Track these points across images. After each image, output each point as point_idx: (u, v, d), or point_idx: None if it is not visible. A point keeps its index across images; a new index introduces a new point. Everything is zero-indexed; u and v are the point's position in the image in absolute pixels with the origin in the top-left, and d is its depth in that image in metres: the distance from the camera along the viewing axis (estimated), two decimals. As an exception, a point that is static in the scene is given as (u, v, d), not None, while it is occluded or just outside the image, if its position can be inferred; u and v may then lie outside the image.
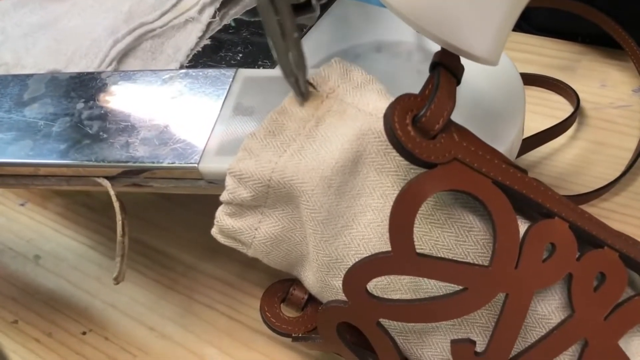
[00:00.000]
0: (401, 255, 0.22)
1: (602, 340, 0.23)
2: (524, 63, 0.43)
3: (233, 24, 0.37)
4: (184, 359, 0.32)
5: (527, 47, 0.45)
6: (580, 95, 0.39)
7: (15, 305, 0.36)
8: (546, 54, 0.44)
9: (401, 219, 0.22)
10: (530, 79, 0.41)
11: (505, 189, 0.22)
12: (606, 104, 0.40)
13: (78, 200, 0.42)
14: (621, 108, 0.40)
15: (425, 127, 0.22)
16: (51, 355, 0.34)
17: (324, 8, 0.34)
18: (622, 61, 0.42)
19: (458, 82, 0.24)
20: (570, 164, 0.37)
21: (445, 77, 0.23)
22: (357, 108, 0.25)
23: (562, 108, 0.40)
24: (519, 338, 0.23)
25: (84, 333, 0.34)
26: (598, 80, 0.42)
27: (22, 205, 0.42)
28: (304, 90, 0.26)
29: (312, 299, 0.29)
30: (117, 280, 0.28)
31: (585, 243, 0.23)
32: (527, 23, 0.47)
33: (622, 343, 0.23)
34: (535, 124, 0.37)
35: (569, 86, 0.40)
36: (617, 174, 0.35)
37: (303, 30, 0.30)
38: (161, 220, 0.39)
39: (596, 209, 0.35)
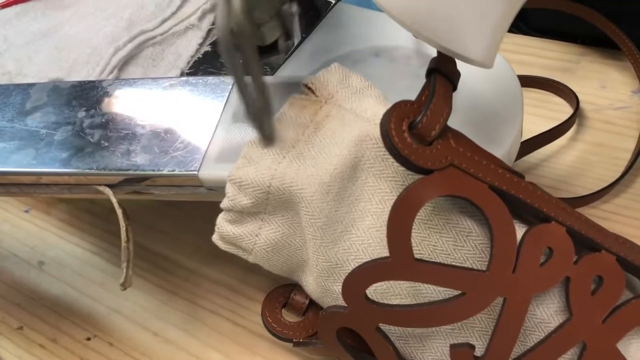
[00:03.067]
0: (399, 260, 0.22)
1: (600, 343, 0.23)
2: (522, 65, 0.43)
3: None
4: (188, 364, 0.33)
5: (525, 48, 0.45)
6: (580, 97, 0.39)
7: (20, 312, 0.36)
8: (545, 56, 0.44)
9: (399, 225, 0.22)
10: (529, 81, 0.41)
11: (502, 194, 0.22)
12: (606, 106, 0.40)
13: (82, 206, 0.42)
14: (621, 109, 0.40)
15: (421, 134, 0.22)
16: (56, 361, 0.34)
17: (318, 17, 0.34)
18: (622, 62, 0.42)
19: (454, 88, 0.24)
20: (570, 165, 0.37)
21: (441, 83, 0.23)
22: (356, 114, 0.26)
23: (561, 110, 0.40)
24: (518, 342, 0.24)
25: (89, 339, 0.35)
26: (597, 81, 0.42)
27: (26, 212, 0.42)
28: (269, 135, 0.25)
29: (313, 304, 0.29)
30: (124, 286, 0.28)
31: (583, 247, 0.23)
32: (525, 24, 0.47)
33: (621, 346, 0.23)
34: (534, 126, 0.37)
35: (568, 88, 0.40)
36: (617, 175, 0.35)
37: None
38: (164, 225, 0.39)
39: (596, 211, 0.35)
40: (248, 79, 0.23)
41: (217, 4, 0.21)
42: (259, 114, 0.24)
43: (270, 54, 0.23)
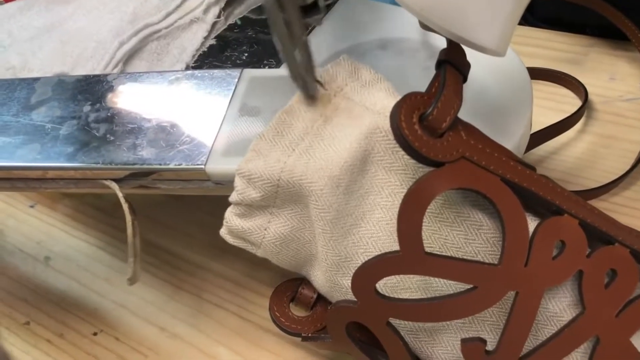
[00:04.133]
0: (410, 254, 0.22)
1: (614, 338, 0.23)
2: (531, 57, 0.43)
3: (238, 23, 0.37)
4: (195, 359, 0.32)
5: (534, 40, 0.44)
6: (589, 89, 0.39)
7: (27, 307, 0.36)
8: (553, 47, 0.44)
9: (409, 219, 0.22)
10: (537, 73, 0.40)
11: (513, 186, 0.22)
12: (615, 97, 0.40)
13: (87, 201, 0.42)
14: (630, 101, 0.39)
15: (432, 126, 0.22)
16: (63, 356, 0.34)
17: (329, 6, 0.34)
18: (631, 53, 0.42)
19: (465, 79, 0.24)
20: (579, 158, 0.37)
21: (451, 75, 0.23)
22: (365, 107, 0.25)
23: (570, 102, 0.39)
24: (530, 336, 0.23)
25: (95, 334, 0.34)
26: (606, 73, 0.41)
27: (31, 207, 0.42)
28: (312, 93, 0.25)
29: (321, 298, 0.29)
30: (131, 282, 0.28)
31: (596, 240, 0.23)
32: (533, 16, 0.46)
33: (635, 340, 0.23)
34: (543, 119, 0.36)
35: (577, 80, 0.39)
36: (627, 167, 0.35)
37: (309, 30, 0.30)
38: (170, 220, 0.39)
39: (606, 204, 0.34)
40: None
41: None
42: (303, 72, 0.24)
43: (310, 13, 0.24)
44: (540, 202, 0.23)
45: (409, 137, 0.21)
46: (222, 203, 0.27)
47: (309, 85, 0.25)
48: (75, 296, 0.37)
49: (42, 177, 0.29)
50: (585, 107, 0.38)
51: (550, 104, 0.40)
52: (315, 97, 0.26)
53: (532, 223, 0.23)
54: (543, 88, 0.41)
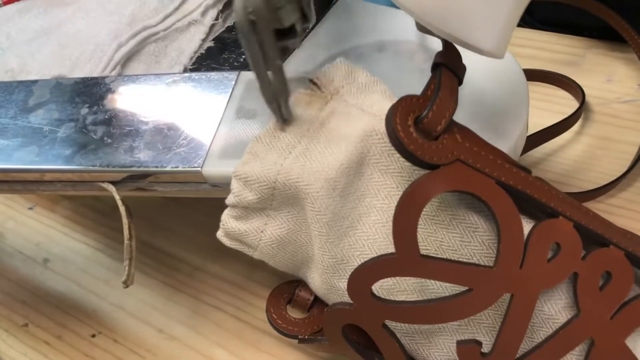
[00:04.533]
0: (405, 257, 0.22)
1: (609, 340, 0.23)
2: (528, 58, 0.43)
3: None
4: (193, 361, 0.33)
5: (531, 42, 0.44)
6: (586, 90, 0.39)
7: (25, 309, 0.37)
8: (551, 49, 0.44)
9: (405, 221, 0.22)
10: (534, 75, 0.40)
11: (508, 189, 0.22)
12: (612, 99, 0.40)
13: (86, 203, 0.42)
14: (627, 103, 0.39)
15: (427, 128, 0.22)
16: (61, 358, 0.34)
17: (324, 11, 0.34)
18: (628, 55, 0.42)
19: (460, 82, 0.24)
20: (576, 160, 0.37)
21: (447, 77, 0.23)
22: (361, 109, 0.25)
23: (567, 104, 0.39)
24: (526, 338, 0.23)
25: (94, 335, 0.35)
26: (604, 74, 0.41)
27: (30, 209, 0.42)
28: (286, 117, 0.25)
29: (318, 300, 0.29)
30: (126, 284, 0.28)
31: (591, 242, 0.23)
32: (531, 17, 0.46)
33: (630, 342, 0.23)
34: (540, 120, 0.36)
35: (574, 81, 0.39)
36: (624, 169, 0.35)
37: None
38: (167, 221, 0.39)
39: (603, 205, 0.35)
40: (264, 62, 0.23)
41: None
42: (277, 96, 0.24)
43: (287, 37, 0.24)
44: (535, 204, 0.23)
45: (404, 140, 0.21)
46: (221, 205, 0.27)
47: (282, 110, 0.25)
48: (73, 298, 0.37)
49: (40, 180, 0.30)
50: (583, 109, 0.38)
51: (548, 106, 0.40)
52: (290, 122, 0.25)
53: (527, 225, 0.23)
54: (540, 90, 0.41)
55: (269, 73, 0.23)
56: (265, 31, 0.22)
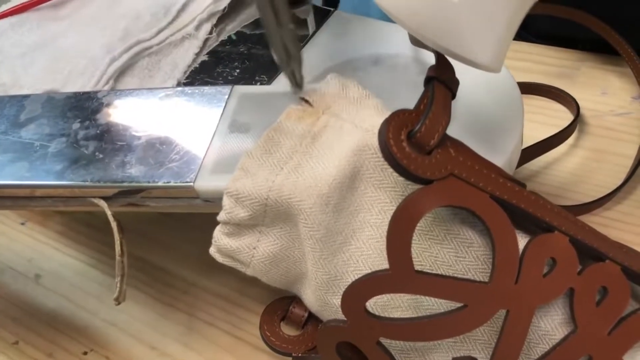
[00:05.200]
0: (399, 273, 0.22)
1: (606, 356, 0.22)
2: (523, 72, 0.43)
3: (232, 39, 0.37)
4: (185, 378, 0.32)
5: (526, 55, 0.45)
6: (580, 103, 0.39)
7: (16, 326, 0.36)
8: (545, 62, 0.44)
9: (398, 237, 0.21)
10: (529, 88, 0.40)
11: (503, 203, 0.22)
12: (606, 112, 0.40)
13: (78, 218, 0.41)
14: (621, 115, 0.39)
15: (420, 143, 0.22)
16: (52, 376, 0.33)
17: (321, 22, 0.34)
18: (622, 68, 0.42)
19: (453, 96, 0.24)
20: (571, 173, 0.37)
21: (440, 91, 0.23)
22: (354, 124, 0.25)
23: (562, 116, 0.39)
24: (522, 354, 0.23)
25: (85, 353, 0.34)
26: (598, 87, 0.41)
27: (22, 224, 0.42)
28: (299, 82, 0.26)
29: (312, 316, 0.29)
30: (118, 301, 0.28)
31: (586, 256, 0.23)
32: (525, 30, 0.46)
33: (628, 358, 0.23)
34: (535, 133, 0.36)
35: (569, 94, 0.39)
36: (619, 182, 0.35)
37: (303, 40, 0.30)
38: (161, 236, 0.39)
39: (598, 218, 0.34)
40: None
41: None
42: (291, 61, 0.25)
43: (298, 4, 0.25)
44: (530, 219, 0.23)
45: (397, 155, 0.21)
46: (214, 220, 0.27)
47: (296, 75, 0.26)
48: (65, 314, 0.36)
49: (31, 195, 0.29)
50: (577, 122, 0.38)
51: (542, 119, 0.40)
52: (302, 85, 0.26)
53: (522, 240, 0.23)
54: (535, 102, 0.41)
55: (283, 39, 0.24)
56: None
